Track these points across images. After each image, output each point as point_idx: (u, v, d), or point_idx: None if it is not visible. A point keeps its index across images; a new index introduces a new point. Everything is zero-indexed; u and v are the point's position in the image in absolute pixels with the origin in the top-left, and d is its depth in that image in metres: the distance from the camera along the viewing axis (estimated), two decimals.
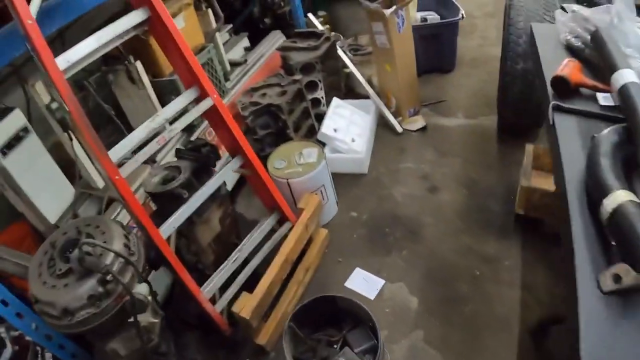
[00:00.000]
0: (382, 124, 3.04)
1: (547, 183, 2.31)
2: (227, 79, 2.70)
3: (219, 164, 1.98)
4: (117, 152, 1.47)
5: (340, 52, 3.00)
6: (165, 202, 1.78)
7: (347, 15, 3.60)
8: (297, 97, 2.54)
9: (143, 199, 2.03)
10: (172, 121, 1.72)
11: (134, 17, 1.61)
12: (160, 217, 1.80)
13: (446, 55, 3.39)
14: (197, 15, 2.46)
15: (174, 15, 2.27)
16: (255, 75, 2.85)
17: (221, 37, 2.76)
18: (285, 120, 2.42)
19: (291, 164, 2.27)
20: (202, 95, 1.73)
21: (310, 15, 3.32)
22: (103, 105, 2.05)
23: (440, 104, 3.15)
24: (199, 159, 1.91)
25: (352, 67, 3.01)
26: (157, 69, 2.26)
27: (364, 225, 2.43)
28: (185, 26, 2.33)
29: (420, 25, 3.25)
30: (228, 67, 2.74)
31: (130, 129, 2.29)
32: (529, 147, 2.29)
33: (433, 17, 3.65)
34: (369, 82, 3.11)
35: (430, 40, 3.24)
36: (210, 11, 2.57)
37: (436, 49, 3.30)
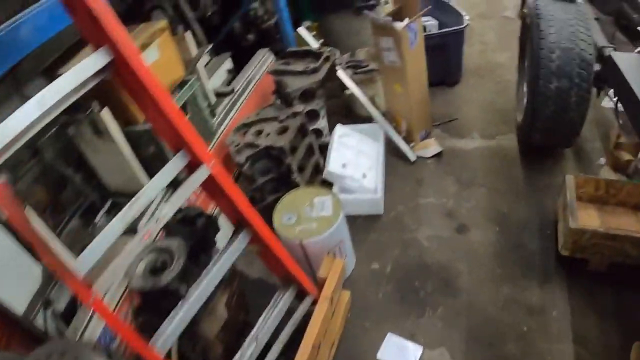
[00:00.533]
0: (390, 151, 2.70)
1: (593, 218, 2.07)
2: (212, 114, 2.28)
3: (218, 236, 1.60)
4: (84, 264, 1.04)
5: (340, 72, 2.63)
6: (157, 298, 1.38)
7: (338, 25, 3.21)
8: (299, 132, 2.17)
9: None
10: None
11: (92, 64, 1.14)
12: (150, 314, 1.42)
13: (452, 67, 3.10)
14: (174, 42, 2.03)
15: (147, 46, 1.85)
16: (245, 106, 2.45)
17: (201, 60, 2.33)
18: (289, 164, 2.04)
19: (302, 218, 1.91)
20: (193, 163, 1.33)
21: (301, 29, 2.90)
22: (63, 171, 1.61)
23: (452, 122, 2.85)
24: (194, 234, 1.52)
25: (354, 90, 2.65)
26: (129, 114, 1.83)
27: (389, 279, 2.10)
28: (160, 58, 1.90)
29: (425, 36, 2.92)
30: (213, 100, 2.32)
31: (102, 187, 1.89)
32: (570, 180, 2.01)
33: (431, 23, 3.34)
34: (372, 102, 2.76)
35: (435, 51, 2.91)
36: (189, 35, 2.13)
37: (441, 61, 2.99)
